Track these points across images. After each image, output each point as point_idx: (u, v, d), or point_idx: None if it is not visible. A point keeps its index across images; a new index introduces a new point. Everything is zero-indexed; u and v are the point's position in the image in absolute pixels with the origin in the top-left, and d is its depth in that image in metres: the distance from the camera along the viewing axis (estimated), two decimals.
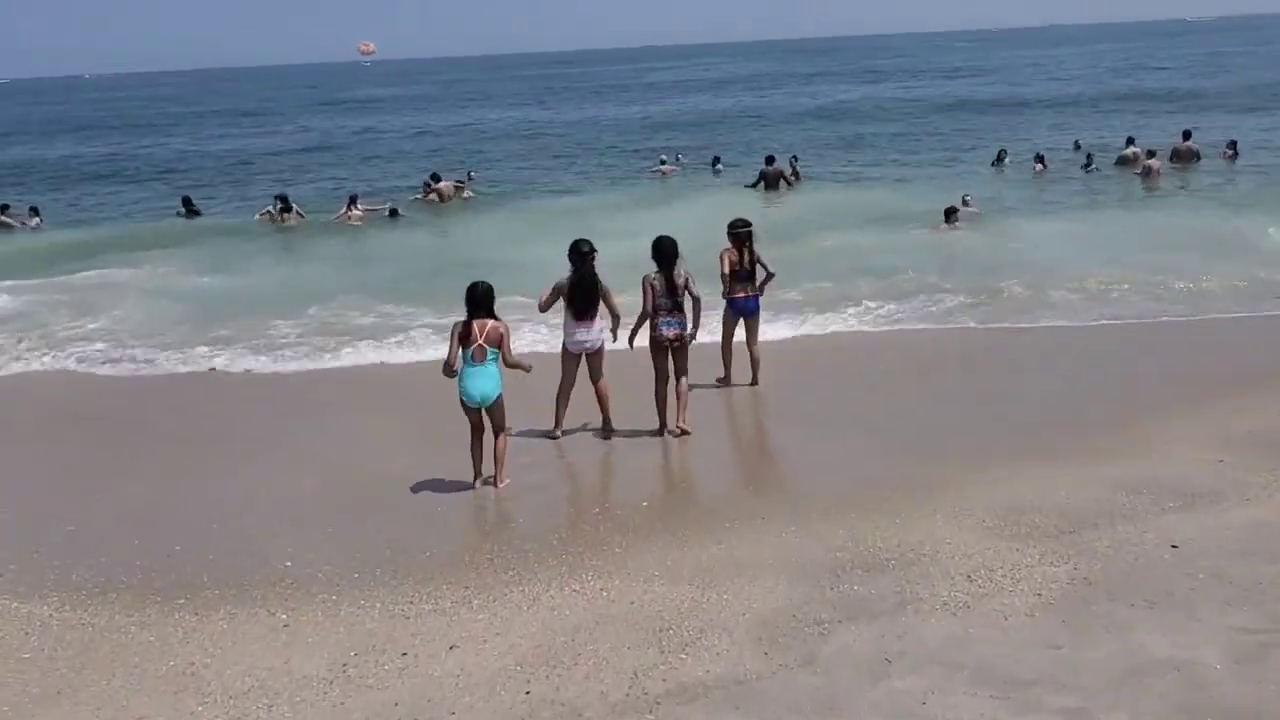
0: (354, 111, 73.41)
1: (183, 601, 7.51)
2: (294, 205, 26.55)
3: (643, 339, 10.34)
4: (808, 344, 13.83)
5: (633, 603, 7.02)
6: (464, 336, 8.81)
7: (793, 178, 28.14)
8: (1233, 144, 29.66)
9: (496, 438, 9.15)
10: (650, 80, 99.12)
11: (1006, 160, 29.99)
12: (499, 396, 8.98)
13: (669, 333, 9.96)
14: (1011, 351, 13.22)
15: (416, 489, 9.41)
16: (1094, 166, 28.36)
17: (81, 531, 8.85)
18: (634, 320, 10.32)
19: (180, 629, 7.10)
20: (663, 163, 33.85)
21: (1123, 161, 28.07)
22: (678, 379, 10.18)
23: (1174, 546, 7.24)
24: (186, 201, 29.06)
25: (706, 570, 7.42)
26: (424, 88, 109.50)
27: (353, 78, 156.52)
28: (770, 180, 27.03)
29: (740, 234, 11.13)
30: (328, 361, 14.18)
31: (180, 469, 10.33)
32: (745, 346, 11.53)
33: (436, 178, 29.00)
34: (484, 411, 9.04)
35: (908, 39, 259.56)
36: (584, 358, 10.05)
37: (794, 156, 29.89)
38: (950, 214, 21.12)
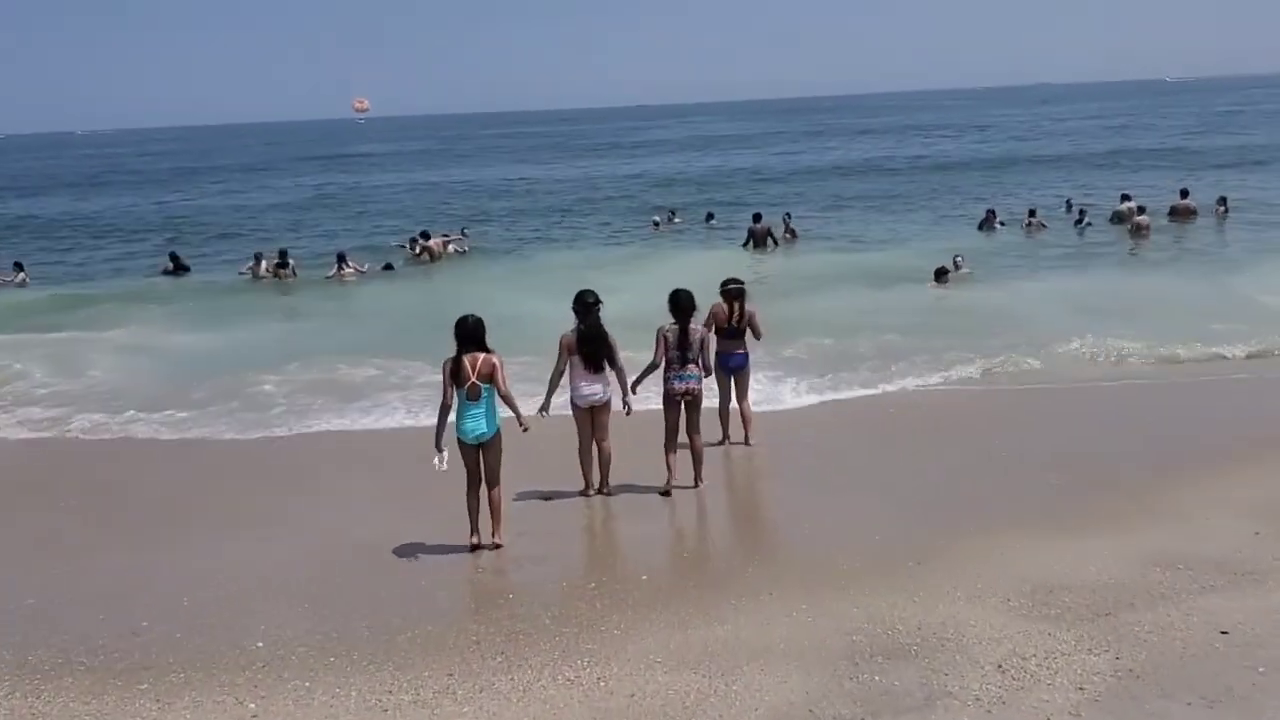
0: (351, 167, 73.35)
1: (145, 687, 6.91)
2: (290, 261, 26.13)
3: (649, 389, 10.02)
4: (810, 405, 13.29)
5: (633, 695, 6.42)
6: (455, 374, 8.40)
7: (787, 236, 27.80)
8: (1223, 200, 29.66)
9: (491, 490, 8.70)
10: (644, 139, 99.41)
11: (998, 222, 28.76)
12: (497, 434, 8.61)
13: (681, 386, 9.77)
14: (1022, 412, 12.74)
15: (401, 558, 8.86)
16: (1087, 222, 28.11)
17: (42, 607, 8.26)
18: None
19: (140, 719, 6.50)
20: (656, 224, 33.58)
21: (1118, 219, 27.78)
22: (690, 436, 9.90)
23: (1223, 633, 6.67)
24: (174, 258, 28.67)
25: (712, 655, 6.84)
26: (420, 143, 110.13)
27: (348, 134, 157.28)
28: (758, 238, 26.70)
29: (731, 291, 11.03)
30: (314, 424, 13.60)
31: (153, 539, 9.74)
32: (736, 404, 11.28)
33: (426, 235, 28.62)
34: (480, 455, 8.63)
35: (899, 97, 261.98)
36: (591, 413, 9.67)
37: (786, 214, 29.42)
38: (940, 274, 20.72)
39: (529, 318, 16.18)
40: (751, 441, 11.29)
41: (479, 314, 8.75)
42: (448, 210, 41.51)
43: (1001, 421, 12.29)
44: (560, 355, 9.55)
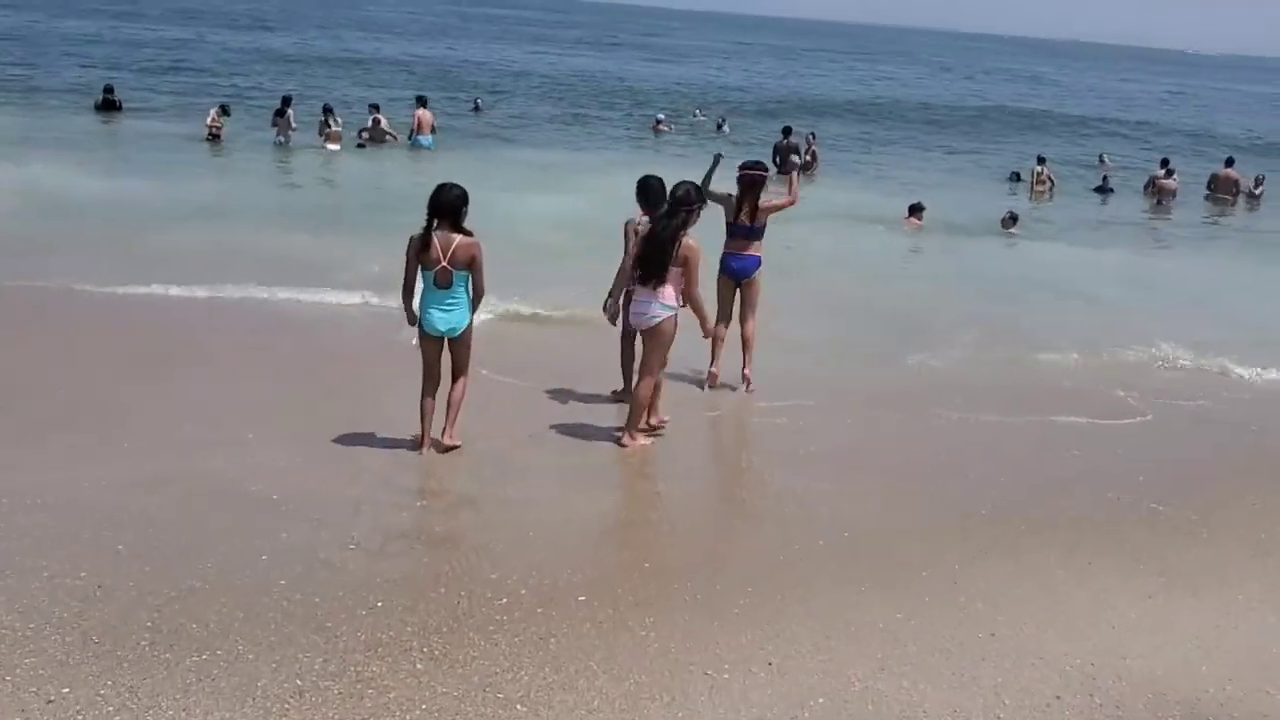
0: (360, 35, 67.83)
1: None
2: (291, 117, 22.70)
3: None
4: (822, 370, 10.41)
5: None
6: (421, 252, 7.05)
7: (808, 157, 24.49)
8: (1260, 179, 26.48)
9: (455, 381, 7.44)
10: (667, 43, 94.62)
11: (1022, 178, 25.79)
12: (468, 329, 7.31)
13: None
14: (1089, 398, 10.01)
15: (299, 493, 6.77)
16: (1110, 188, 25.84)
17: None
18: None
19: None
20: (658, 122, 30.98)
21: (1151, 186, 25.45)
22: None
23: None
24: (108, 91, 25.39)
25: None
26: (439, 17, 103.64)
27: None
28: (783, 154, 23.64)
29: (751, 176, 8.96)
30: (212, 290, 11.27)
31: None
32: (739, 323, 9.16)
33: (409, 102, 25.64)
34: (447, 348, 7.36)
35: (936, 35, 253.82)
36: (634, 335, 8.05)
37: (811, 133, 26.63)
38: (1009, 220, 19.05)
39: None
40: (752, 385, 9.11)
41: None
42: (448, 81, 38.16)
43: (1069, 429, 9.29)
44: (627, 244, 7.85)
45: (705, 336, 7.96)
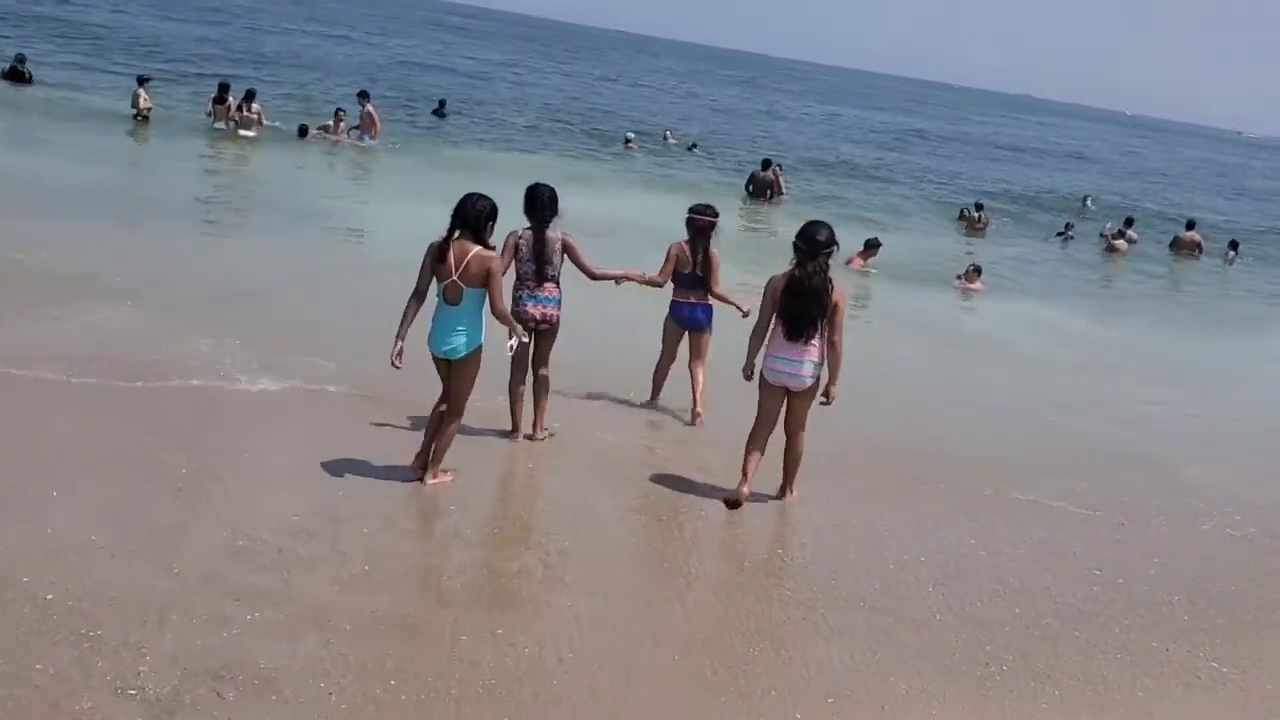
0: (323, 32, 65.96)
1: None
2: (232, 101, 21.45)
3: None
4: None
5: None
6: (438, 263, 6.37)
7: (778, 189, 24.06)
8: (1234, 244, 25.95)
9: (446, 416, 6.62)
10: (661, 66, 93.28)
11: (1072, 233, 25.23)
12: (470, 355, 6.47)
13: (534, 310, 7.34)
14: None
15: (86, 589, 4.52)
16: (1069, 236, 25.06)
17: None
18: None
19: None
20: (628, 141, 29.76)
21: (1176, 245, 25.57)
22: (536, 369, 7.51)
23: None
24: (18, 61, 23.23)
25: None
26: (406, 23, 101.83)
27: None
28: (759, 187, 23.77)
29: (696, 223, 8.31)
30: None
31: None
32: (689, 369, 8.53)
33: (365, 95, 23.75)
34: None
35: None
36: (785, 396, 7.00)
37: (779, 165, 25.17)
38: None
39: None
40: (702, 416, 8.36)
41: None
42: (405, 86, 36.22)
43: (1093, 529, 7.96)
44: (763, 304, 6.82)
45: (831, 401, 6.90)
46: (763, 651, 5.08)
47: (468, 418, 6.80)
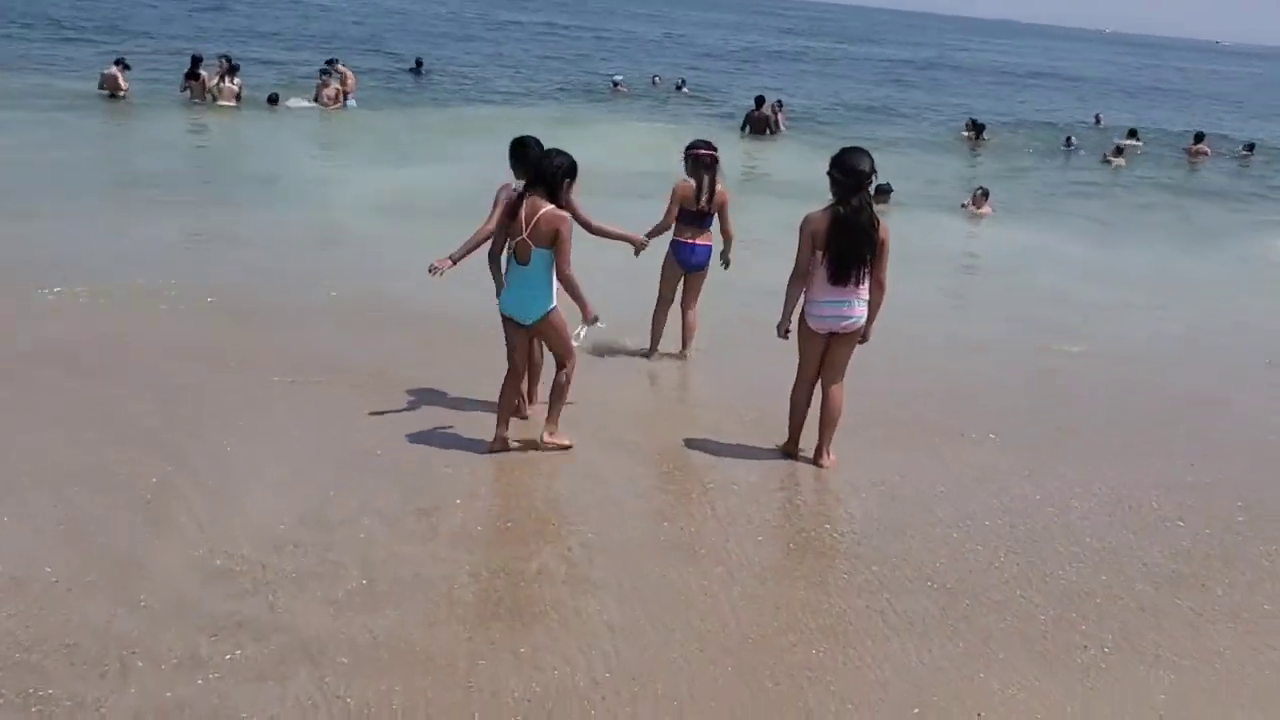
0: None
1: None
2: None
3: None
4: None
5: None
6: (508, 217, 5.99)
7: (775, 126, 23.51)
8: (1250, 146, 27.01)
9: (559, 371, 6.24)
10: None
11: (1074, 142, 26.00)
12: (546, 317, 6.08)
13: None
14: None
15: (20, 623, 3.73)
16: (1075, 147, 25.64)
17: None
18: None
19: None
20: (615, 84, 29.01)
21: (1118, 152, 24.56)
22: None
23: None
24: None
25: None
26: None
27: None
28: (755, 125, 23.34)
29: (701, 158, 7.85)
30: None
31: None
32: (680, 310, 8.27)
33: (332, 62, 22.87)
34: (525, 337, 6.27)
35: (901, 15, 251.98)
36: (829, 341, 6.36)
37: (778, 101, 24.42)
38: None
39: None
40: (688, 352, 8.20)
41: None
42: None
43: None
44: (802, 247, 6.05)
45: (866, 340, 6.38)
46: (827, 653, 4.37)
47: (467, 397, 6.09)
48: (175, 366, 7.29)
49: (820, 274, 6.03)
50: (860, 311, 6.12)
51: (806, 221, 6.01)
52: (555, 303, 6.06)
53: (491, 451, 6.14)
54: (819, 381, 6.32)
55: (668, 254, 8.02)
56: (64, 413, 6.33)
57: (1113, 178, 22.13)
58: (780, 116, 23.65)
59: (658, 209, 7.99)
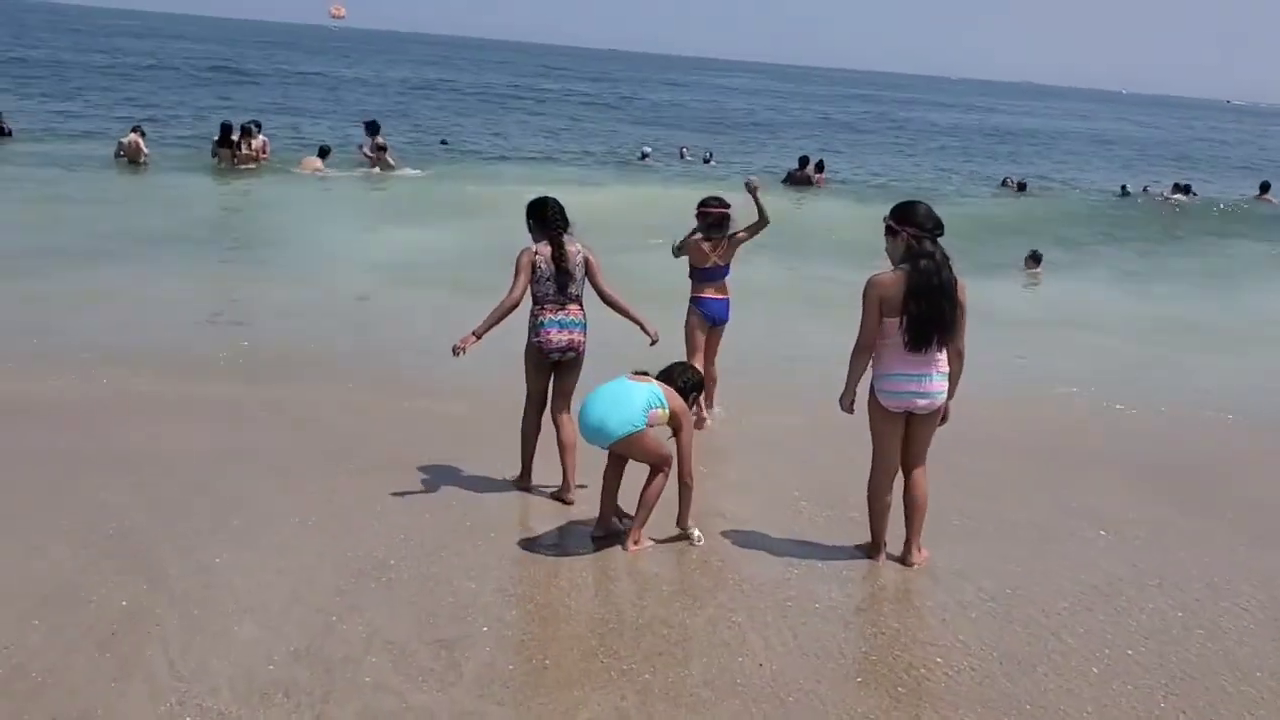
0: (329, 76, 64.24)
1: None
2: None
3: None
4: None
5: None
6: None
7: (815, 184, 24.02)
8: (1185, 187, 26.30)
9: (651, 478, 5.62)
10: (649, 78, 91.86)
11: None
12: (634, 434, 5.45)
13: (560, 337, 6.12)
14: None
15: None
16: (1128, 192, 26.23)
17: None
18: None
19: None
20: (645, 155, 28.50)
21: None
22: (556, 414, 6.29)
23: None
24: None
25: None
26: (404, 65, 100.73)
27: (313, 41, 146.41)
28: (796, 182, 24.10)
29: (713, 216, 7.71)
30: None
31: None
32: (704, 368, 7.79)
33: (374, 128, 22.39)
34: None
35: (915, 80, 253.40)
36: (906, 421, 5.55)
37: (819, 162, 24.29)
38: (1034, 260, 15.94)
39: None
40: (715, 405, 7.96)
41: None
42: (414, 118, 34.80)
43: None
44: (868, 314, 5.28)
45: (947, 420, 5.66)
46: None
47: (495, 489, 5.19)
48: (161, 448, 6.48)
49: (893, 344, 5.19)
50: (940, 387, 5.29)
51: (872, 285, 5.17)
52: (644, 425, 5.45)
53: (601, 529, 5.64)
54: (900, 467, 5.44)
55: (691, 311, 7.76)
56: (23, 508, 5.49)
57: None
58: (820, 178, 23.61)
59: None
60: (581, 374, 6.16)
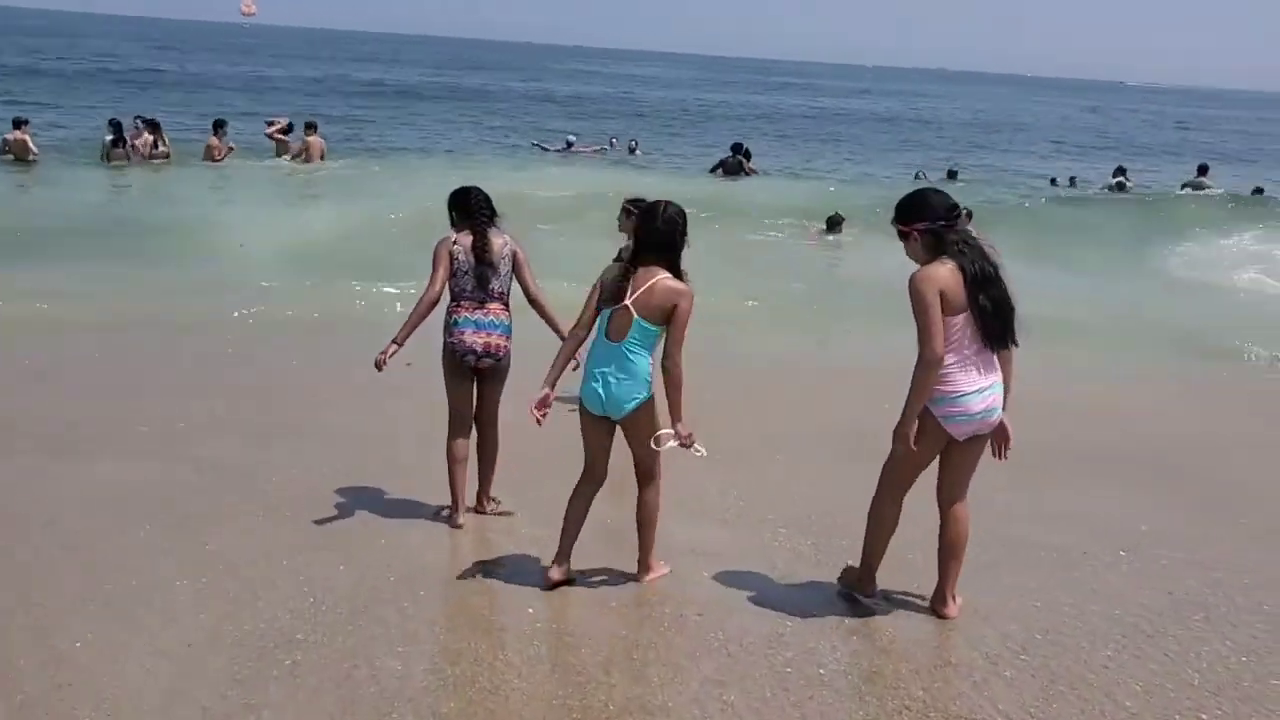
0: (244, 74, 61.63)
1: None
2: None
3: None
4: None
5: None
6: (613, 291, 4.62)
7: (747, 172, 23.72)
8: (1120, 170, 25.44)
9: (646, 489, 4.83)
10: (572, 68, 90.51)
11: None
12: (644, 406, 4.64)
13: (475, 339, 5.33)
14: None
15: None
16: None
17: None
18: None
19: None
20: (569, 144, 27.59)
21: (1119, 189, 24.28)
22: (483, 427, 5.58)
23: None
24: None
25: None
26: (319, 61, 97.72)
27: (221, 38, 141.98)
28: (728, 171, 23.56)
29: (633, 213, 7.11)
30: None
31: None
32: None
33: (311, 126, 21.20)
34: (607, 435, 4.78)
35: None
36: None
37: (746, 150, 23.68)
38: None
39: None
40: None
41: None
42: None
43: None
44: (930, 310, 4.24)
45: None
46: None
47: (420, 529, 4.26)
48: (12, 498, 5.44)
49: (965, 354, 4.28)
50: (1000, 400, 4.41)
51: (926, 280, 4.22)
52: (652, 393, 4.66)
53: (550, 588, 4.69)
54: (938, 498, 4.58)
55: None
56: None
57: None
58: (751, 166, 23.63)
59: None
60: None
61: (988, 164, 30.72)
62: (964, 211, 4.57)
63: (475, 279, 5.33)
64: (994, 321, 4.24)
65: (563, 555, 4.74)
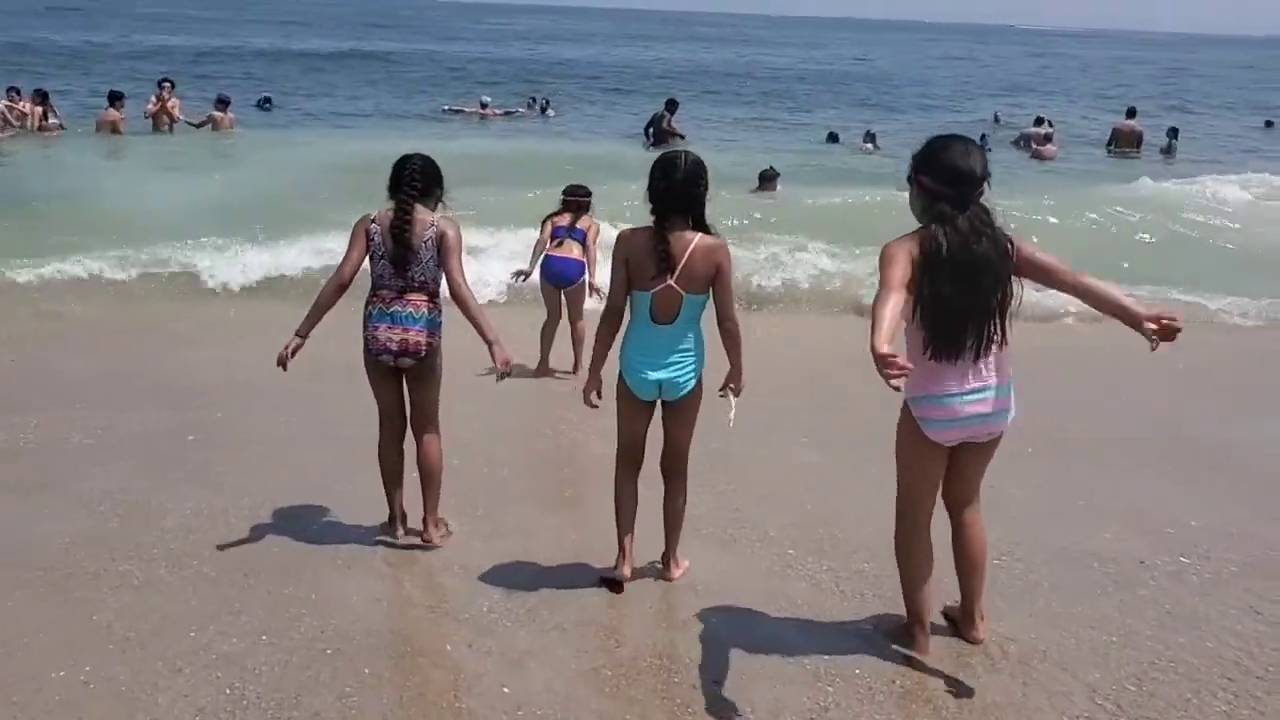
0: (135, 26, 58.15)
1: None
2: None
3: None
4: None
5: None
6: (659, 258, 4.14)
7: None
8: (1173, 130, 23.37)
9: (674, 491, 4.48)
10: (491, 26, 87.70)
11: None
12: (699, 388, 4.31)
13: (389, 336, 4.54)
14: None
15: None
16: (989, 148, 22.67)
17: None
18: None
19: None
20: (483, 105, 26.36)
21: (1024, 142, 22.41)
22: (419, 436, 4.78)
23: None
24: None
25: None
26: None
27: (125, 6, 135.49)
28: (661, 134, 21.21)
29: (577, 204, 7.70)
30: None
31: None
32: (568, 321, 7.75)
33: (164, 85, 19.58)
34: (652, 418, 4.41)
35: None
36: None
37: (670, 103, 22.20)
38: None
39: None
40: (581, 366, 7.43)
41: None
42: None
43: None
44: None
45: None
46: None
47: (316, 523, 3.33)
48: None
49: (922, 350, 3.57)
50: (1005, 403, 3.68)
51: (886, 254, 3.52)
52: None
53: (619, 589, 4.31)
54: (948, 511, 3.88)
55: (540, 277, 7.72)
56: None
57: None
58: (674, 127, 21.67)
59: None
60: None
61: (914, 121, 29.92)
62: (984, 186, 3.64)
63: (392, 264, 4.52)
64: (940, 320, 3.49)
65: (626, 552, 4.36)
